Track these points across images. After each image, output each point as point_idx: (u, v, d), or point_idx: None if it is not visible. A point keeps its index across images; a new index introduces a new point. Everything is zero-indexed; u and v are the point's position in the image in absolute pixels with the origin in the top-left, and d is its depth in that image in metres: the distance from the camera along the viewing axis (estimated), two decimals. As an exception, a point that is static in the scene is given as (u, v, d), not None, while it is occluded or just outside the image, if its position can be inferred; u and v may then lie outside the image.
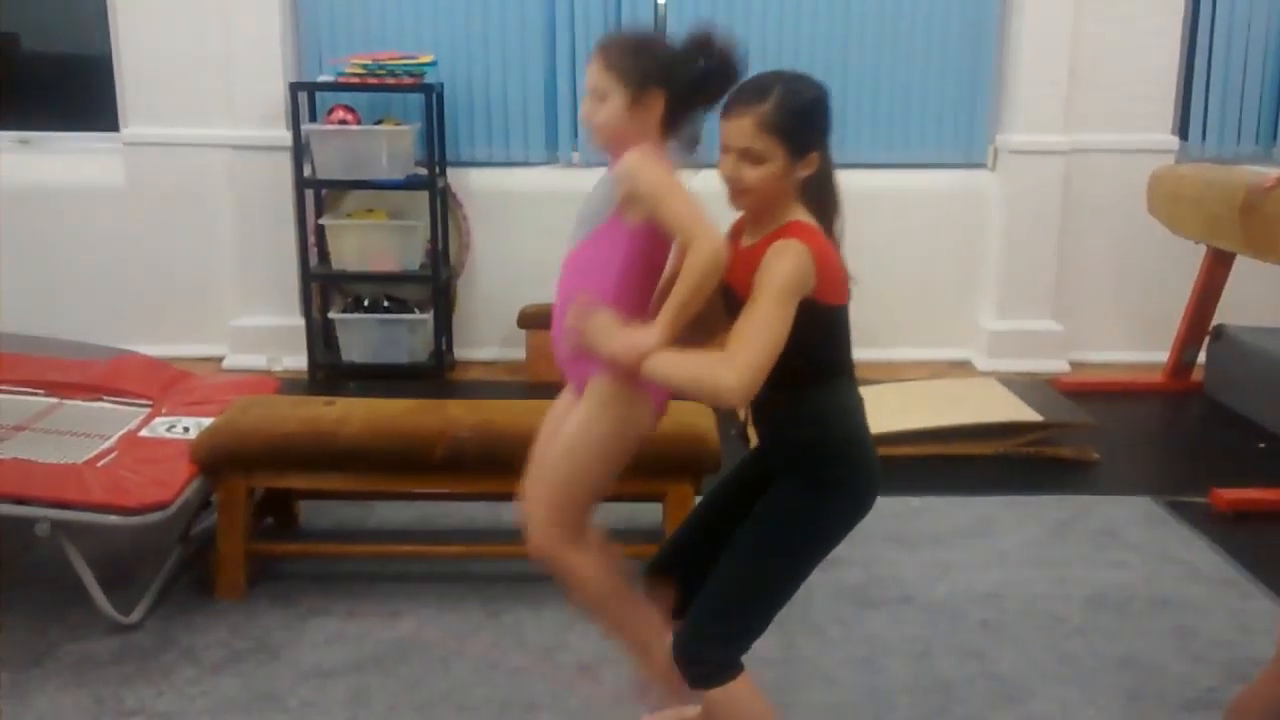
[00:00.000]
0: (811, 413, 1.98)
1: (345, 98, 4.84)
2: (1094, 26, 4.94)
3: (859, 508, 2.02)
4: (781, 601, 1.99)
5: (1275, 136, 5.17)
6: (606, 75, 1.98)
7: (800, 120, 1.88)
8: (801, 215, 1.91)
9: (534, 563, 2.05)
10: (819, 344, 1.95)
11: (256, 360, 4.98)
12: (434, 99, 4.81)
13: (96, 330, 4.77)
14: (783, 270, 1.82)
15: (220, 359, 5.03)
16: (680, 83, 1.99)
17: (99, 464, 2.79)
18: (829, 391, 1.99)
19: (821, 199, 1.94)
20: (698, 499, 2.35)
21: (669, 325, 1.88)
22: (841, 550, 2.05)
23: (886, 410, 4.14)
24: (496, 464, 2.88)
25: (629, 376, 1.94)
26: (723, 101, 1.94)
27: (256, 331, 5.02)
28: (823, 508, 1.98)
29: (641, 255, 2.00)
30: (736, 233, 2.01)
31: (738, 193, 1.91)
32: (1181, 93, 5.13)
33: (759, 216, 1.95)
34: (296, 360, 4.96)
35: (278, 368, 4.95)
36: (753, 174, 1.87)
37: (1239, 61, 5.06)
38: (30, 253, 5.00)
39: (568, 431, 2.03)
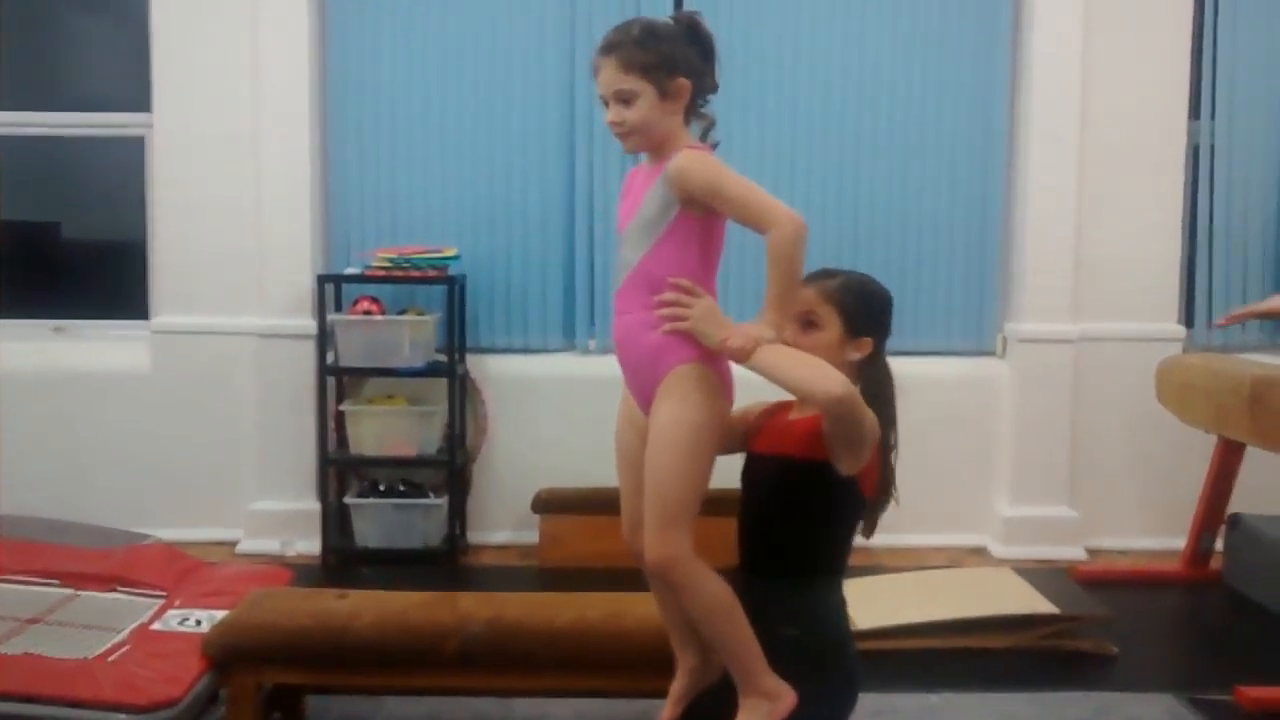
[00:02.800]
0: (805, 607, 2.00)
1: (370, 288, 4.98)
2: (1096, 220, 5.09)
3: (845, 710, 2.02)
4: None
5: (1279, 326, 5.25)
6: (627, 76, 1.96)
7: (860, 301, 2.02)
8: None
9: (653, 575, 1.94)
10: (837, 534, 2.01)
11: (270, 545, 5.00)
12: (456, 290, 4.96)
13: (116, 513, 4.83)
14: (866, 409, 1.88)
15: (235, 543, 5.05)
16: (696, 66, 2.00)
17: (110, 659, 2.80)
18: (825, 587, 2.02)
19: (878, 403, 1.98)
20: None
21: (781, 313, 1.90)
22: (860, 752, 2.03)
23: (902, 599, 4.11)
24: (509, 660, 2.88)
25: (715, 362, 1.95)
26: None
27: (272, 516, 5.05)
28: (816, 712, 1.96)
29: (711, 248, 2.00)
30: (784, 408, 2.07)
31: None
32: (1185, 282, 5.24)
33: None
34: (310, 545, 4.97)
35: (290, 552, 4.96)
36: (810, 340, 1.98)
37: (1239, 251, 5.18)
38: (55, 437, 5.09)
39: (662, 428, 1.94)
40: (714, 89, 2.06)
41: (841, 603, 2.04)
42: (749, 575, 2.05)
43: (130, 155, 5.26)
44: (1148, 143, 5.11)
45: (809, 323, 2.00)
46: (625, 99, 1.97)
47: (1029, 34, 5.06)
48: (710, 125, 2.07)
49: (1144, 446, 5.15)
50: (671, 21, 2.03)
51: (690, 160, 1.94)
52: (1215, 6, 5.09)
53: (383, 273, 4.88)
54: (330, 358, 4.95)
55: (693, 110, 2.04)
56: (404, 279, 4.90)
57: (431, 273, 4.89)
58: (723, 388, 1.99)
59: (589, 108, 5.10)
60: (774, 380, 1.89)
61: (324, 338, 4.93)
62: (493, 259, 5.19)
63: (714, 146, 2.07)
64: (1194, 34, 5.11)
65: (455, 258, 4.98)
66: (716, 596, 1.94)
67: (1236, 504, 4.73)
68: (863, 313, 2.03)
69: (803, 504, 1.98)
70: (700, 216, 1.95)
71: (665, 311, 1.95)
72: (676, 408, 1.93)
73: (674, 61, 1.97)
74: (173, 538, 4.50)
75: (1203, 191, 5.19)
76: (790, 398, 2.05)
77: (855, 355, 2.01)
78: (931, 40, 5.15)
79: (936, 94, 5.16)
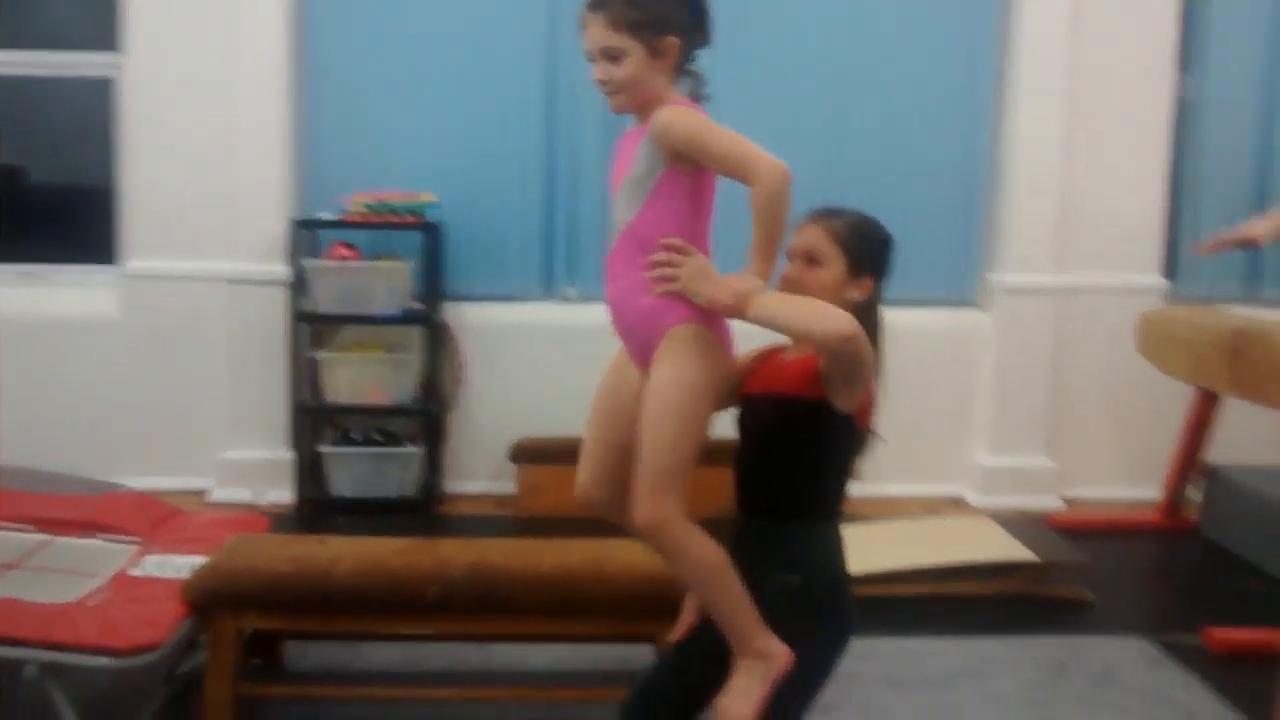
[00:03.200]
0: (806, 553, 1.99)
1: (346, 234, 4.90)
2: (1081, 172, 5.07)
3: (841, 649, 2.02)
4: None
5: (1259, 279, 5.24)
6: (615, 34, 1.93)
7: (864, 241, 2.01)
8: None
9: (642, 537, 1.92)
10: (837, 472, 2.01)
11: (242, 494, 4.94)
12: (434, 236, 4.89)
13: (84, 461, 4.74)
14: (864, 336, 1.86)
15: (205, 492, 4.98)
16: (686, 24, 1.98)
17: (90, 603, 2.77)
18: (825, 530, 2.01)
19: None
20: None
21: (768, 263, 1.89)
22: (837, 694, 2.03)
23: (881, 548, 4.13)
24: (490, 605, 2.86)
25: (712, 321, 1.93)
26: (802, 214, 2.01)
27: (244, 464, 4.99)
28: (811, 660, 1.96)
29: (702, 203, 1.98)
30: (779, 347, 2.07)
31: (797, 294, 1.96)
32: (1168, 235, 5.24)
33: None
34: (283, 494, 4.93)
35: (263, 501, 4.90)
36: (814, 277, 1.97)
37: (1223, 205, 5.14)
38: (23, 383, 4.98)
39: (659, 390, 1.91)
40: (704, 45, 2.03)
41: (839, 545, 2.03)
42: (747, 517, 2.04)
43: (90, 97, 5.12)
44: (1135, 96, 5.08)
45: (812, 260, 1.99)
46: (613, 56, 1.94)
47: (1018, -16, 5.02)
48: (699, 83, 2.04)
49: (1122, 398, 5.18)
50: None
51: (673, 114, 1.92)
52: (1205, -40, 5.07)
53: (359, 218, 4.81)
54: (305, 304, 4.88)
55: (681, 68, 2.01)
56: (381, 225, 4.83)
57: (409, 219, 4.82)
58: (721, 346, 1.97)
59: (570, 54, 5.00)
60: (775, 328, 1.88)
61: (298, 283, 4.86)
62: (470, 206, 5.11)
63: (703, 103, 2.04)
64: (1183, -13, 5.09)
65: (434, 204, 4.91)
66: (706, 559, 1.92)
67: (1214, 455, 4.77)
68: (866, 253, 2.02)
69: (800, 443, 1.97)
70: (689, 172, 1.93)
71: (656, 273, 1.93)
72: (673, 369, 1.92)
73: (664, 20, 1.94)
74: (143, 486, 4.41)
75: (1188, 145, 5.19)
76: (782, 339, 2.03)
77: (856, 295, 2.00)
78: (920, -12, 5.09)
79: (925, 44, 5.10)
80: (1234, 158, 5.17)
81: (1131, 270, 5.16)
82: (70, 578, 2.95)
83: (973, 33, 5.12)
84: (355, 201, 4.82)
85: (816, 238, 1.99)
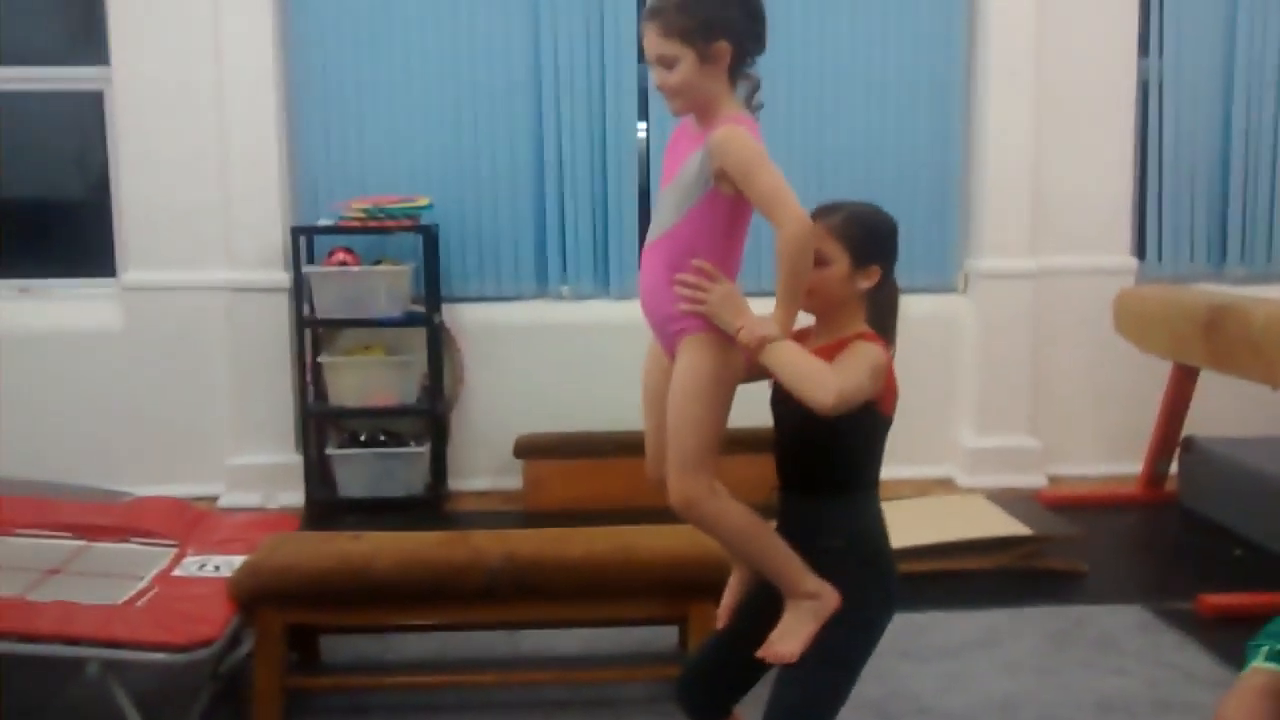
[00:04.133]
0: (846, 521, 2.09)
1: (342, 239, 4.98)
2: (1052, 157, 5.24)
3: (889, 611, 2.13)
4: (836, 715, 2.07)
5: (1224, 256, 5.44)
6: (668, 42, 1.99)
7: (865, 232, 2.08)
8: (866, 329, 2.08)
9: (679, 514, 2.04)
10: (867, 451, 2.11)
11: (252, 498, 5.01)
12: (430, 239, 4.98)
13: (91, 473, 4.74)
14: (870, 356, 1.98)
15: (215, 498, 5.05)
16: (738, 28, 2.04)
17: (138, 603, 2.85)
18: (863, 500, 2.12)
19: (883, 324, 2.11)
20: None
21: (788, 313, 1.98)
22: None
23: (882, 528, 4.26)
24: (529, 592, 2.97)
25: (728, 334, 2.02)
26: None
27: (252, 469, 5.07)
28: (860, 616, 2.07)
29: (738, 224, 2.05)
30: (803, 336, 2.13)
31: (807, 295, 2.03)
32: (1136, 217, 5.42)
33: (828, 320, 2.09)
34: (292, 497, 5.01)
35: (274, 505, 4.98)
36: (820, 276, 2.03)
37: (1187, 184, 5.37)
38: (26, 398, 5.01)
39: (680, 380, 2.03)
40: (759, 51, 2.10)
41: (879, 514, 2.14)
42: (789, 495, 2.15)
43: (73, 112, 5.15)
44: (1100, 80, 5.26)
45: (818, 259, 2.05)
46: (667, 64, 2.01)
47: (984, -27, 5.17)
48: (755, 86, 2.10)
49: (1101, 376, 5.35)
50: None
51: (732, 135, 1.98)
52: (1163, -55, 5.25)
53: (357, 223, 4.88)
54: (306, 310, 4.95)
55: (737, 71, 2.07)
56: (378, 229, 4.91)
57: (406, 222, 4.90)
58: (734, 345, 2.06)
59: (553, 54, 5.12)
60: (778, 377, 2.00)
61: (300, 289, 4.93)
62: (463, 208, 5.20)
63: (758, 109, 2.11)
64: (1142, -30, 5.26)
65: (429, 207, 5.00)
66: (740, 525, 2.05)
67: (1189, 428, 4.93)
68: (868, 243, 2.09)
69: (829, 430, 2.04)
70: (730, 195, 2.01)
71: (684, 292, 2.02)
72: (692, 360, 2.02)
73: (713, 25, 2.00)
74: (152, 495, 4.49)
75: (1152, 126, 5.36)
76: (808, 322, 2.13)
77: (865, 284, 2.09)
78: (891, -18, 5.23)
79: (896, 35, 5.24)
80: (1194, 139, 5.35)
81: (1104, 252, 5.33)
82: (114, 580, 3.03)
83: (942, 24, 5.25)
84: (352, 207, 4.89)
85: (818, 237, 2.04)
